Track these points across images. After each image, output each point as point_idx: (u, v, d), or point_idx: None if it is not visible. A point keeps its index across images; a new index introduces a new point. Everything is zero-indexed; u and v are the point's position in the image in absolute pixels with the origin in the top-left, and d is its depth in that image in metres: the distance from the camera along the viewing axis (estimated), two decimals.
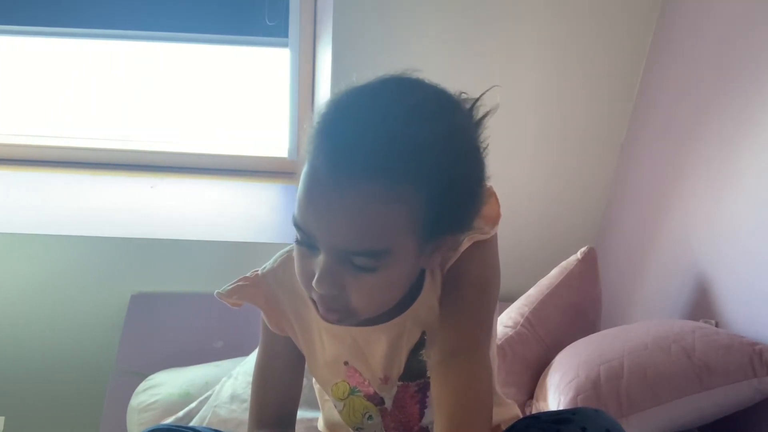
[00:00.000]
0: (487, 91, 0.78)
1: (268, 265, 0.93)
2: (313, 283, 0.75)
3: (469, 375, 0.79)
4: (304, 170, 0.72)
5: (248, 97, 2.07)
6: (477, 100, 0.77)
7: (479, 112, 0.77)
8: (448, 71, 1.69)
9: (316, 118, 0.72)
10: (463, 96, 0.77)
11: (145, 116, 2.11)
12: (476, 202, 0.77)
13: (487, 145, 0.77)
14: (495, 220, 0.84)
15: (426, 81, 0.76)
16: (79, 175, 1.99)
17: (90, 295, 1.84)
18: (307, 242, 0.74)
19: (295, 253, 0.78)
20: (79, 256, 1.80)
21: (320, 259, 0.74)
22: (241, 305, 0.91)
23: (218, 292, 0.91)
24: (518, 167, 1.82)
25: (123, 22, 1.91)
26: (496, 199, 0.86)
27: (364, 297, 0.75)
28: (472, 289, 0.83)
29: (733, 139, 1.37)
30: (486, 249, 0.83)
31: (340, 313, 0.78)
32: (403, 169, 0.69)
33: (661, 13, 1.65)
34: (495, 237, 0.85)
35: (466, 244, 0.81)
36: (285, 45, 1.89)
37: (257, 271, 0.93)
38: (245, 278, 0.92)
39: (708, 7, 1.50)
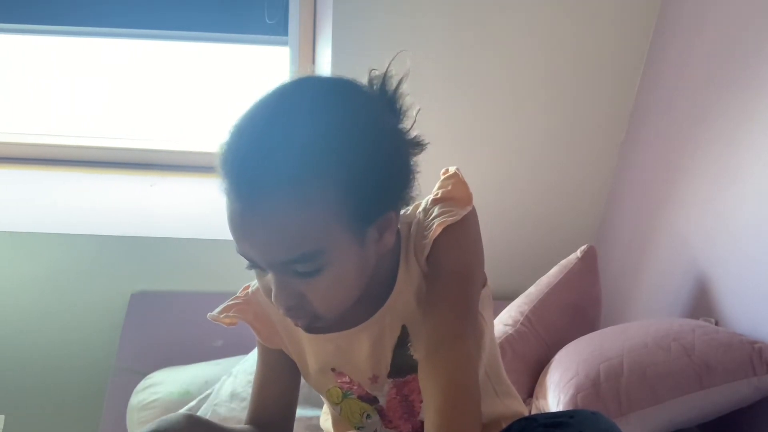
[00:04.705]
0: (394, 58, 0.79)
1: (256, 282, 0.93)
2: (272, 299, 0.76)
3: (454, 366, 0.78)
4: (225, 203, 0.74)
5: (248, 96, 2.07)
6: (385, 74, 0.79)
7: (391, 84, 0.79)
8: (447, 70, 1.69)
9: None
10: (374, 72, 0.79)
11: (144, 114, 2.11)
12: (398, 174, 0.77)
13: (407, 108, 0.79)
14: (466, 200, 0.84)
15: (312, 77, 0.77)
16: (78, 174, 1.98)
17: (90, 293, 1.84)
18: (253, 264, 0.76)
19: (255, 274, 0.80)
20: (78, 254, 1.80)
21: (269, 277, 0.75)
22: (236, 324, 0.93)
23: (210, 315, 0.93)
24: (518, 166, 1.82)
25: (123, 21, 1.91)
26: (463, 181, 0.86)
27: (322, 299, 0.76)
28: (451, 277, 0.82)
29: (732, 139, 1.37)
30: (460, 232, 0.82)
31: (307, 319, 0.79)
32: (300, 171, 0.69)
33: (661, 13, 1.65)
34: (471, 218, 0.84)
35: (437, 230, 0.81)
36: (285, 43, 1.89)
37: (248, 287, 0.94)
38: (236, 297, 0.94)
39: (707, 7, 1.50)
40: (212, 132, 2.11)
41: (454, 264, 0.82)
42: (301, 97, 0.75)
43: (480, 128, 1.77)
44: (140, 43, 2.00)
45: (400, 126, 0.80)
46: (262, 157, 0.70)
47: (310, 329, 0.88)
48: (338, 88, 0.76)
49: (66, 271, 1.81)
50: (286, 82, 0.77)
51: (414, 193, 0.81)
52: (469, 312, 0.82)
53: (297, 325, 0.82)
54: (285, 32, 1.88)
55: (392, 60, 0.79)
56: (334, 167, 0.70)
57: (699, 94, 1.49)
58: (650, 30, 1.68)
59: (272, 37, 1.92)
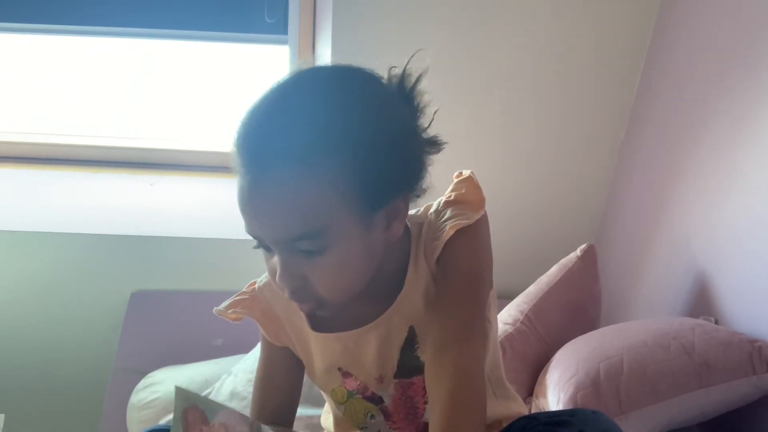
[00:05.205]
0: (413, 55, 0.80)
1: (263, 277, 0.94)
2: (276, 279, 0.76)
3: (461, 368, 0.78)
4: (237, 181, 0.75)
5: (248, 95, 2.07)
6: (404, 71, 0.79)
7: (409, 81, 0.79)
8: (447, 68, 1.69)
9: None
10: (393, 70, 0.80)
11: (144, 114, 2.11)
12: (408, 161, 0.77)
13: (424, 106, 0.80)
14: (478, 204, 0.84)
15: (328, 65, 0.78)
16: (78, 173, 1.98)
17: (90, 292, 1.84)
18: (261, 244, 0.77)
19: (264, 257, 0.80)
20: (78, 253, 1.80)
21: (276, 257, 0.76)
22: (241, 319, 0.93)
23: (216, 309, 0.93)
24: (519, 165, 1.82)
25: (123, 20, 1.91)
26: (477, 185, 0.86)
27: (325, 281, 0.76)
28: (461, 280, 0.82)
29: (732, 137, 1.37)
30: (472, 236, 0.82)
31: (311, 303, 0.79)
32: (309, 148, 0.70)
33: (661, 11, 1.65)
34: (483, 222, 0.84)
35: (449, 232, 0.81)
36: (284, 42, 1.89)
37: (254, 284, 0.95)
38: (242, 292, 0.95)
39: (708, 5, 1.50)
40: (212, 131, 2.11)
41: (464, 266, 0.82)
42: (314, 80, 0.76)
43: (480, 127, 1.77)
44: (140, 43, 2.00)
45: (418, 123, 0.80)
46: (271, 133, 0.71)
47: (314, 321, 0.89)
48: (352, 73, 0.77)
49: (66, 270, 1.81)
50: (301, 69, 0.77)
51: (425, 186, 0.81)
52: (477, 315, 0.82)
53: (302, 309, 0.82)
54: (285, 31, 1.88)
55: (411, 57, 0.79)
56: (341, 146, 0.71)
57: (699, 92, 1.49)
58: (650, 28, 1.68)
59: (272, 36, 1.92)
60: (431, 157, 0.81)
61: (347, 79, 0.76)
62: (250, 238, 0.77)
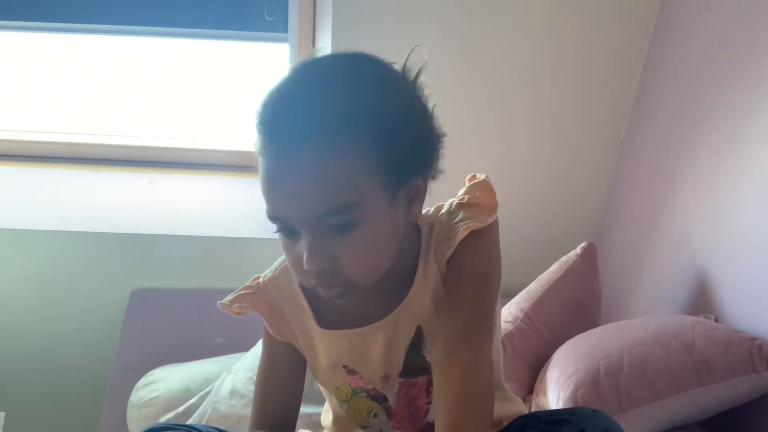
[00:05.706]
0: (413, 50, 0.80)
1: (268, 272, 0.94)
2: (304, 264, 0.75)
3: (470, 370, 0.79)
4: (259, 165, 0.74)
5: (247, 93, 2.07)
6: (405, 61, 0.80)
7: (410, 75, 0.80)
8: (447, 67, 1.69)
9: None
10: (393, 65, 0.81)
11: (144, 112, 2.11)
12: (429, 140, 0.79)
13: (425, 98, 0.81)
14: (491, 208, 0.84)
15: (344, 51, 0.79)
16: (78, 171, 1.98)
17: (90, 291, 1.84)
18: (285, 228, 0.76)
19: (282, 247, 0.79)
20: (79, 252, 1.80)
21: (303, 240, 0.75)
22: (244, 314, 0.93)
23: (221, 303, 0.93)
24: (519, 163, 1.83)
25: (122, 18, 1.90)
26: (491, 189, 0.87)
27: (355, 260, 0.76)
28: (472, 282, 0.82)
29: (732, 135, 1.37)
30: (484, 239, 0.83)
31: (339, 287, 0.78)
32: (338, 121, 0.71)
33: (661, 9, 1.65)
34: (495, 226, 0.85)
35: (462, 234, 0.81)
36: (284, 40, 1.89)
37: (258, 279, 0.94)
38: (246, 287, 0.94)
39: (708, 5, 1.50)
40: (212, 129, 2.11)
41: (476, 269, 0.83)
42: (337, 61, 0.77)
43: (480, 126, 1.77)
44: (140, 41, 1.99)
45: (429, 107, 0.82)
46: (300, 109, 0.71)
47: (321, 317, 0.89)
48: (373, 57, 0.78)
49: (66, 268, 1.81)
50: (317, 54, 0.78)
51: (441, 168, 0.81)
52: (488, 318, 0.83)
53: (327, 295, 0.79)
54: (285, 29, 1.87)
55: (411, 52, 0.80)
56: (369, 120, 0.72)
57: (699, 90, 1.49)
58: (650, 26, 1.68)
59: (272, 34, 1.92)
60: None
61: (365, 60, 0.77)
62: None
